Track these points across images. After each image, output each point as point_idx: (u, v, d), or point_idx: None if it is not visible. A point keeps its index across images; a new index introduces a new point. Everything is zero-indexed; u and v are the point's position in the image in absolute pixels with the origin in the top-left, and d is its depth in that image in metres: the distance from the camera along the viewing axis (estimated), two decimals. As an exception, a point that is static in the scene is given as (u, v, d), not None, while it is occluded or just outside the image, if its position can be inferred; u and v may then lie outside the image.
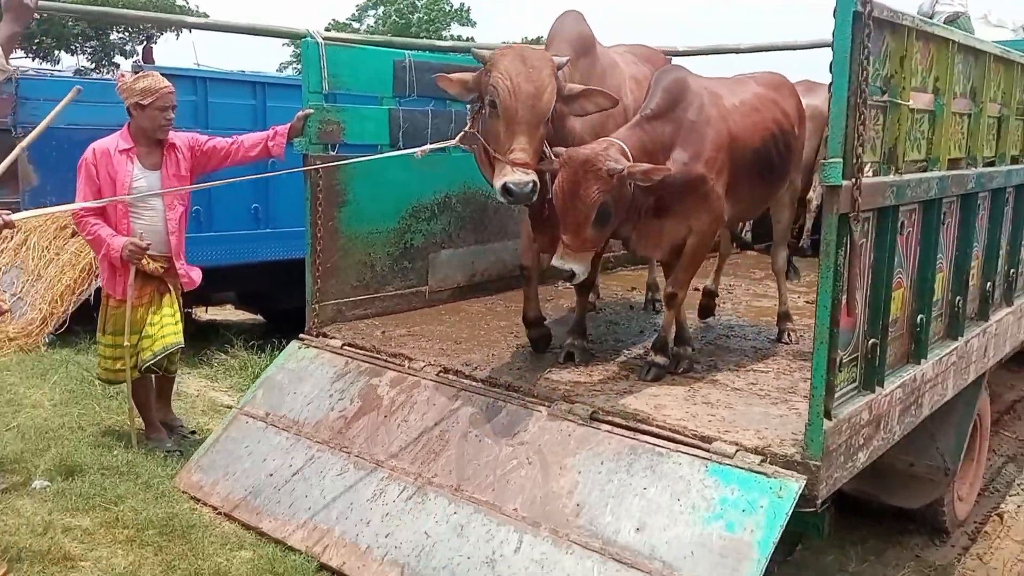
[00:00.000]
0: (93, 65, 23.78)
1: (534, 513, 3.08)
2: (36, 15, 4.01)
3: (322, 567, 3.28)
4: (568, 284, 3.34)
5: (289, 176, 4.73)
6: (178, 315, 4.47)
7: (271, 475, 3.77)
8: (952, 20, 6.97)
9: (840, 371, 2.92)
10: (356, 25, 39.81)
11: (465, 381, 3.75)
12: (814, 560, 4.47)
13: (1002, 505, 5.24)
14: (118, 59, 25.19)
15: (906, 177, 3.07)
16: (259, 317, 9.58)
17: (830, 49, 2.60)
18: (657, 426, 3.17)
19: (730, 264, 6.73)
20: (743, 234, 7.25)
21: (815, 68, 4.44)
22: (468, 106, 3.71)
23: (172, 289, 4.43)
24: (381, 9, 39.63)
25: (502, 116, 3.29)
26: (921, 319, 3.48)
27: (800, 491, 2.77)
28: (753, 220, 6.47)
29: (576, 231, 3.21)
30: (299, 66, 5.08)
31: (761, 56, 6.76)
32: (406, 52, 4.62)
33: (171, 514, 3.59)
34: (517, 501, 3.15)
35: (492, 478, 3.27)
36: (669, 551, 2.78)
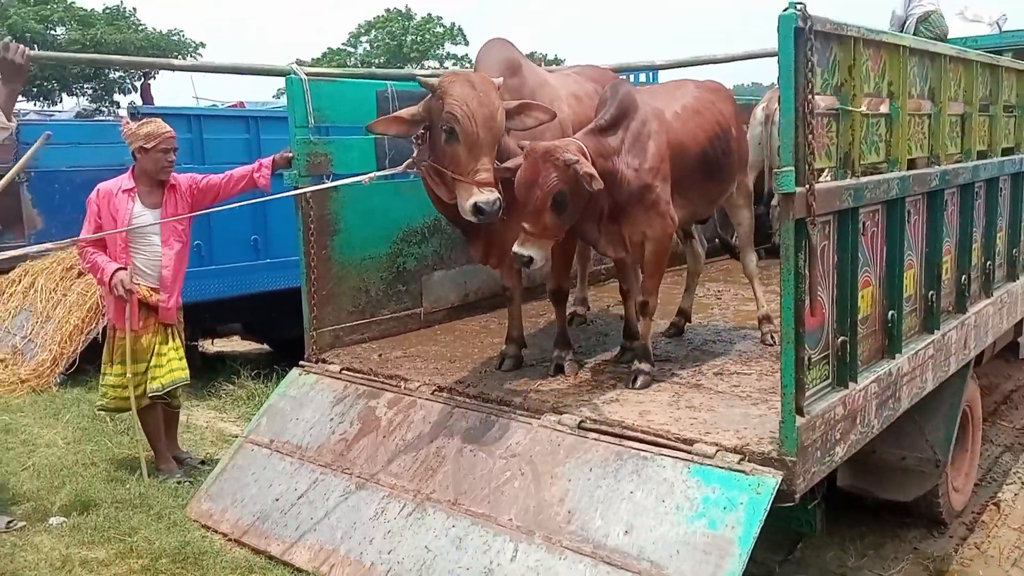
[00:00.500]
0: (95, 105, 24.12)
1: (528, 522, 3.21)
2: (30, 67, 4.21)
3: (329, 585, 3.41)
4: (526, 270, 3.49)
5: (285, 207, 4.89)
6: (181, 350, 4.69)
7: (277, 500, 3.91)
8: (924, 18, 7.12)
9: (810, 369, 3.05)
10: (350, 50, 40.27)
11: (459, 398, 3.89)
12: (815, 558, 4.57)
13: (999, 494, 5.32)
14: (118, 97, 25.59)
15: (863, 180, 3.21)
16: (265, 346, 9.73)
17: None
18: (642, 432, 3.30)
19: (720, 269, 6.88)
20: (733, 240, 7.35)
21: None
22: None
23: (175, 324, 4.64)
24: (373, 33, 40.11)
25: (463, 140, 3.45)
26: (892, 315, 3.60)
27: (777, 486, 2.89)
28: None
29: (535, 218, 3.40)
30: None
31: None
32: (388, 83, 4.78)
33: (183, 542, 3.74)
34: (512, 511, 3.28)
35: (487, 490, 3.40)
36: (656, 551, 2.91)
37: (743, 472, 2.97)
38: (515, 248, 3.40)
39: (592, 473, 3.24)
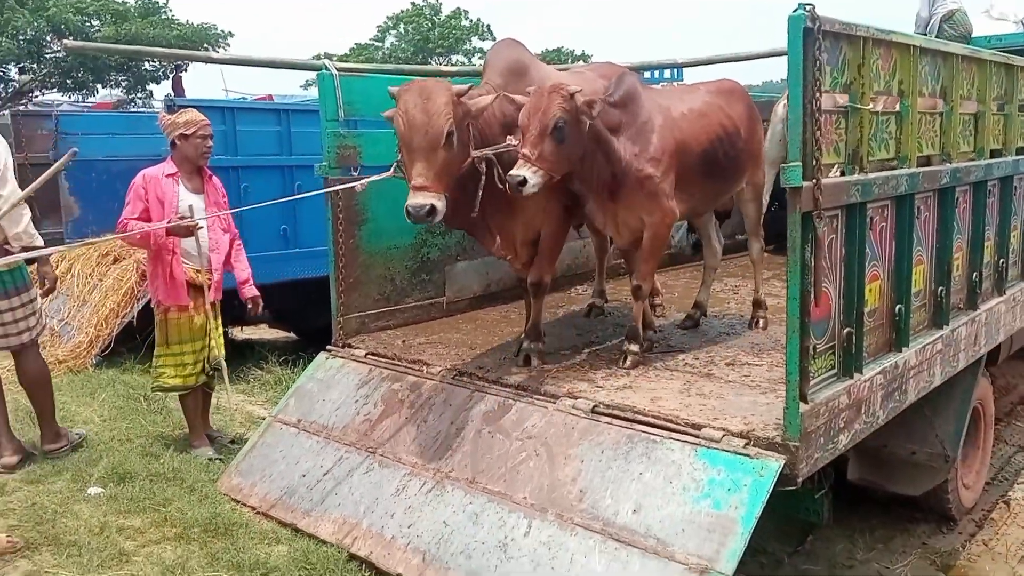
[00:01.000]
0: (129, 96, 24.54)
1: (541, 500, 3.36)
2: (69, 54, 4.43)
3: (351, 557, 3.57)
4: (520, 192, 3.56)
5: (314, 198, 5.06)
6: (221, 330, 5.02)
7: (304, 476, 4.09)
8: (948, 17, 7.15)
9: (815, 358, 3.16)
10: (378, 45, 40.51)
11: (478, 383, 4.05)
12: (824, 549, 4.67)
13: (1010, 493, 5.39)
14: (151, 88, 25.99)
15: (871, 176, 3.31)
16: (292, 335, 9.95)
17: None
18: (652, 416, 3.44)
19: (740, 265, 6.96)
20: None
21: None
22: None
23: (215, 306, 4.92)
24: (401, 27, 40.31)
25: (401, 146, 3.65)
26: (900, 309, 3.70)
27: (780, 470, 3.02)
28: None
29: (535, 142, 3.56)
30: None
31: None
32: (415, 79, 4.92)
33: (214, 514, 3.92)
34: (526, 490, 3.43)
35: (503, 470, 3.56)
36: (662, 529, 3.04)
37: (747, 456, 3.10)
38: (512, 171, 3.55)
39: (604, 455, 3.38)
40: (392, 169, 3.98)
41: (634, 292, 4.18)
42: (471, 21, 40.01)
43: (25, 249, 4.37)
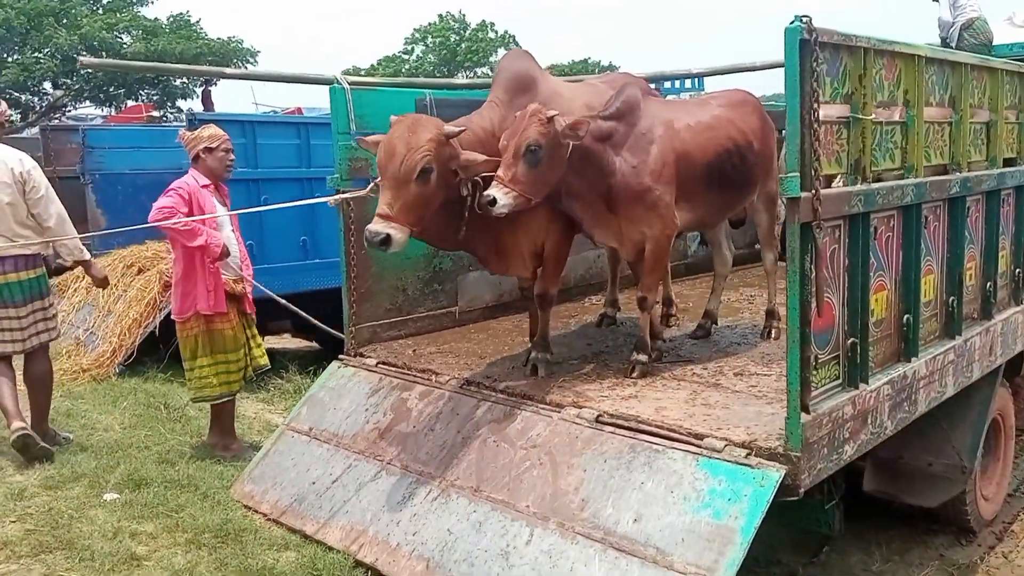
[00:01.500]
0: (160, 112, 24.97)
1: (544, 509, 3.38)
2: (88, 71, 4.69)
3: (357, 564, 3.61)
4: (490, 212, 3.60)
5: (332, 210, 5.14)
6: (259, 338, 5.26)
7: (314, 483, 4.14)
8: (968, 25, 7.10)
9: (818, 369, 3.16)
10: (405, 57, 40.88)
11: (486, 392, 4.08)
12: (840, 560, 4.63)
13: (1031, 505, 5.31)
14: (180, 103, 26.45)
15: (874, 186, 3.31)
16: (315, 344, 10.05)
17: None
18: (656, 426, 3.45)
19: (757, 275, 6.93)
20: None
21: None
22: None
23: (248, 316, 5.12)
24: (429, 40, 40.67)
25: (379, 172, 3.72)
26: (908, 319, 3.68)
27: (781, 480, 3.01)
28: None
29: (508, 164, 3.61)
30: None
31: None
32: (427, 91, 5.00)
33: (225, 520, 3.99)
34: (529, 498, 3.45)
35: (507, 479, 3.58)
36: (662, 538, 3.04)
37: (749, 466, 3.09)
38: (485, 191, 3.61)
39: (607, 464, 3.39)
40: (368, 188, 4.05)
41: (639, 304, 4.19)
42: (498, 33, 40.28)
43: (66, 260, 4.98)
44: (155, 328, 7.18)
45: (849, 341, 3.33)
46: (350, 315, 4.87)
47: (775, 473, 3.03)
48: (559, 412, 3.74)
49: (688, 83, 11.27)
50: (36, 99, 25.99)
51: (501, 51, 39.95)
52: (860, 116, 3.20)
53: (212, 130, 4.97)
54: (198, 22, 25.84)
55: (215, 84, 23.57)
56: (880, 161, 3.42)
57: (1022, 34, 7.76)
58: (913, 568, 4.57)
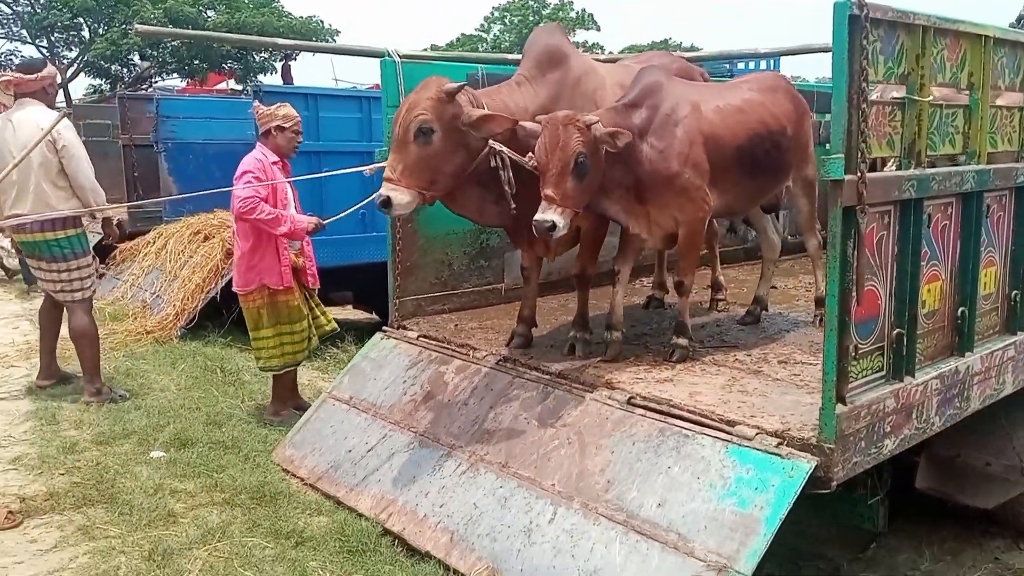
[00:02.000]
0: (241, 87, 25.61)
1: (569, 488, 3.35)
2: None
3: (385, 532, 3.65)
4: (550, 235, 3.51)
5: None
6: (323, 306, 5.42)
7: (350, 451, 4.19)
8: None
9: (858, 359, 3.03)
10: (483, 36, 40.90)
11: (520, 369, 4.06)
12: (887, 558, 4.50)
13: (1098, 511, 5.04)
14: (261, 77, 27.05)
15: (929, 171, 3.14)
16: (375, 316, 10.19)
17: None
18: (687, 410, 3.37)
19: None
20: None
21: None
22: None
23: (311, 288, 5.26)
24: (508, 19, 40.58)
25: None
26: (963, 312, 3.50)
27: (811, 472, 2.91)
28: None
29: (557, 182, 3.45)
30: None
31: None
32: (479, 66, 4.96)
33: (263, 482, 4.08)
34: (555, 477, 3.42)
35: (535, 456, 3.56)
36: (685, 524, 2.98)
37: (779, 455, 3.00)
38: (537, 215, 3.44)
39: (635, 447, 3.34)
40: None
41: (677, 288, 4.10)
42: (577, 12, 39.89)
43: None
44: (217, 294, 7.38)
45: (895, 332, 3.19)
46: (395, 288, 4.90)
47: (805, 464, 2.93)
48: (591, 392, 3.70)
49: (763, 64, 10.97)
50: (125, 70, 26.96)
51: (580, 31, 39.65)
52: (916, 97, 3.04)
53: (287, 110, 5.07)
54: (279, -2, 26.34)
55: (295, 59, 24.04)
56: (938, 146, 3.25)
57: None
58: (965, 570, 4.40)
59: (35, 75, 5.21)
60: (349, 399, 4.53)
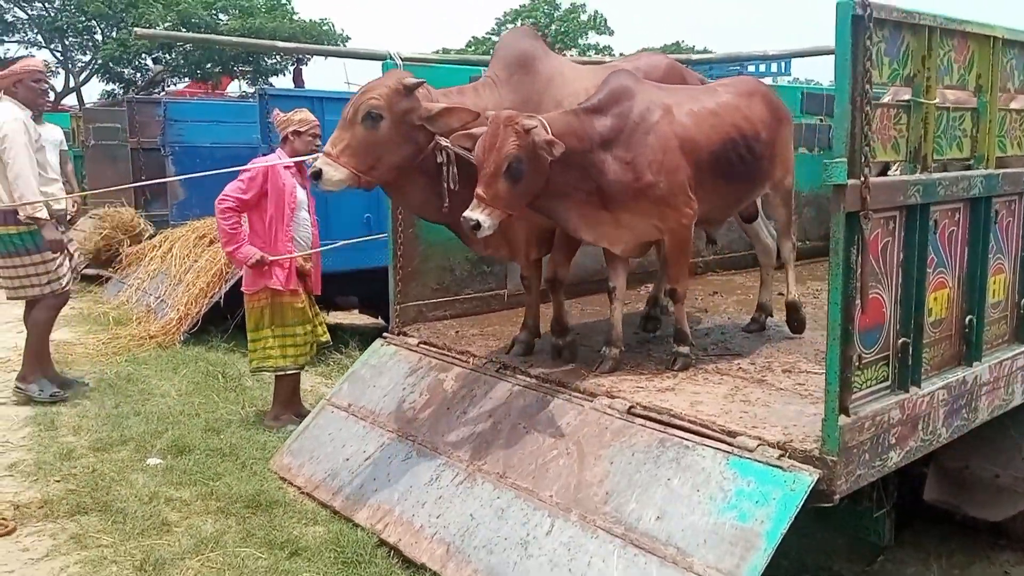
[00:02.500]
0: (253, 89, 25.69)
1: (567, 499, 3.28)
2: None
3: (381, 543, 3.59)
4: (475, 235, 3.45)
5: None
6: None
7: (347, 459, 4.14)
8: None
9: (862, 369, 2.96)
10: (495, 39, 40.89)
11: (520, 377, 3.99)
12: (895, 571, 4.41)
13: (1113, 524, 4.93)
14: (272, 80, 27.13)
15: (935, 176, 3.06)
16: (380, 321, 10.14)
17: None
18: (688, 421, 3.30)
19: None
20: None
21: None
22: None
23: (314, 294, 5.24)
24: (519, 21, 40.53)
25: None
26: (971, 320, 3.42)
27: (813, 485, 2.83)
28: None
29: (488, 183, 3.37)
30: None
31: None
32: (482, 68, 4.90)
33: (259, 491, 4.03)
34: (553, 488, 3.35)
35: (534, 466, 3.49)
36: (684, 538, 2.91)
37: (780, 468, 2.92)
38: (465, 212, 3.38)
39: (634, 458, 3.27)
40: None
41: (670, 295, 4.02)
42: (588, 15, 39.83)
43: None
44: (220, 298, 7.35)
45: (900, 341, 3.10)
46: (396, 293, 4.86)
47: (807, 477, 2.85)
48: (591, 401, 3.63)
49: (774, 66, 10.87)
50: (138, 74, 27.09)
51: (592, 34, 39.56)
52: (922, 100, 2.96)
53: (303, 114, 5.08)
54: (289, 2, 26.38)
55: (307, 63, 24.09)
56: (945, 149, 3.17)
57: None
58: (973, 583, 4.32)
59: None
60: (348, 406, 4.47)
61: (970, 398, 3.45)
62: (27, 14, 26.72)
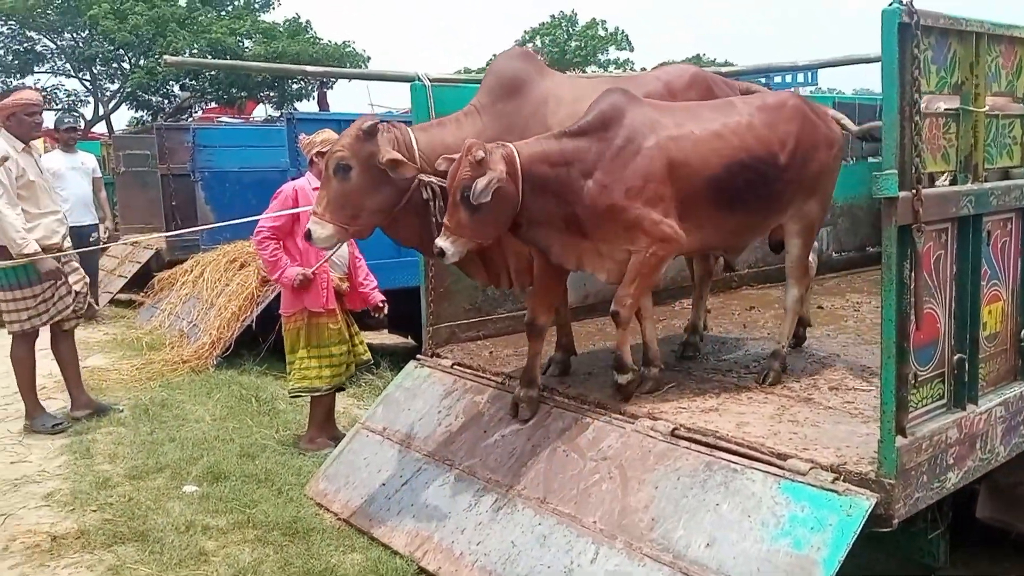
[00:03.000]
0: (279, 113, 25.97)
1: (611, 526, 3.19)
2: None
3: (420, 571, 3.53)
4: (441, 260, 3.46)
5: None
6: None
7: (383, 484, 4.08)
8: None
9: (918, 387, 2.86)
10: (516, 57, 41.04)
11: (558, 398, 3.92)
12: (949, 593, 4.26)
13: None
14: (298, 104, 27.40)
15: (987, 185, 2.96)
16: (411, 341, 10.10)
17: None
18: (735, 443, 3.20)
19: (867, 280, 6.52)
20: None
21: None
22: None
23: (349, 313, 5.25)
24: (539, 40, 40.68)
25: None
26: (1027, 334, 3.30)
27: (871, 510, 2.72)
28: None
29: (450, 211, 3.38)
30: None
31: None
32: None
33: (296, 518, 3.98)
34: (596, 514, 3.27)
35: (575, 491, 3.41)
36: (735, 566, 2.81)
37: (835, 492, 2.82)
38: (436, 239, 3.41)
39: (680, 482, 3.17)
40: None
41: (612, 317, 3.70)
42: (608, 31, 39.88)
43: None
44: (252, 322, 7.34)
45: (956, 357, 3.00)
46: (428, 314, 4.80)
47: (865, 502, 2.74)
48: (633, 423, 3.54)
49: (800, 77, 10.77)
50: (166, 101, 27.50)
51: (612, 49, 39.60)
52: (972, 108, 2.86)
53: (326, 135, 5.06)
54: (308, 24, 26.67)
55: (331, 86, 24.30)
56: (996, 158, 3.07)
57: None
58: (1029, 605, 4.16)
59: None
60: (383, 430, 4.42)
61: (1029, 415, 3.32)
62: (56, 44, 27.24)
